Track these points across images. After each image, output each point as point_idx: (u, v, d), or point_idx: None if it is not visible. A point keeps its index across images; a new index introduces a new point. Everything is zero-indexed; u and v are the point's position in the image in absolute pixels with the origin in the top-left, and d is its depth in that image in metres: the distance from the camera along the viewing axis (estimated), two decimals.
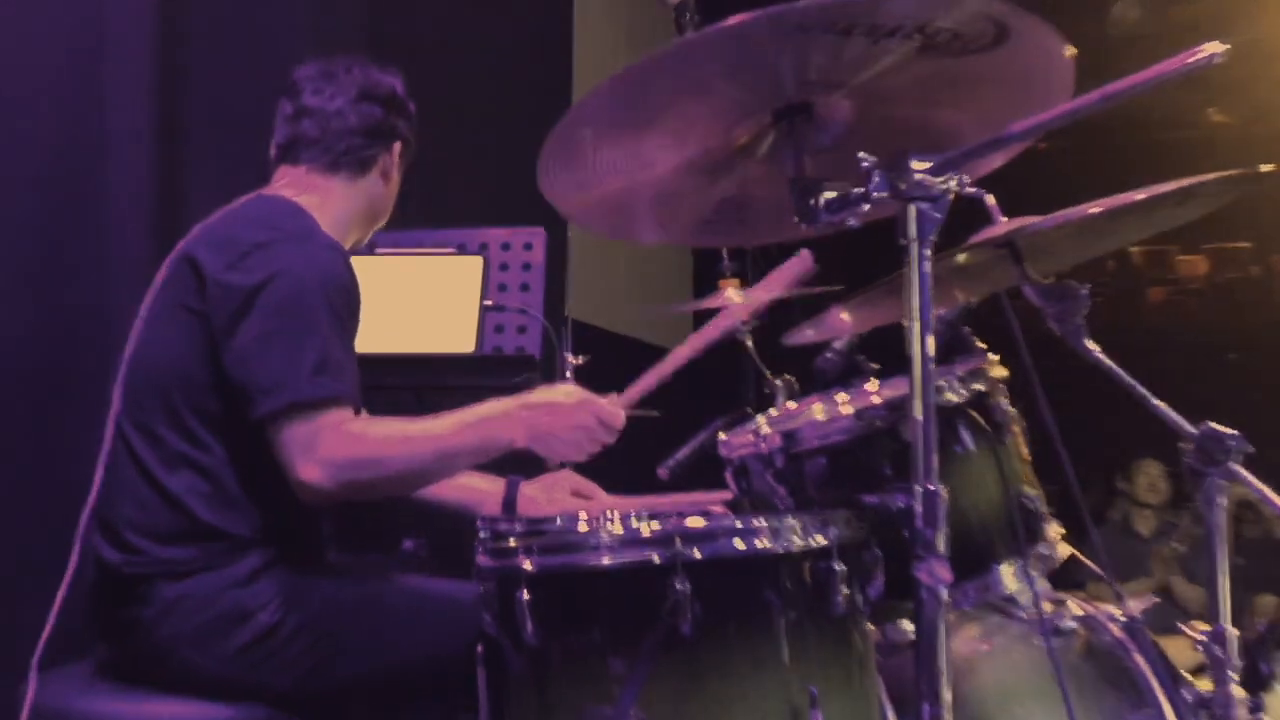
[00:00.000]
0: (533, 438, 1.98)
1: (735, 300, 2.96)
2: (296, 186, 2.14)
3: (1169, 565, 5.18)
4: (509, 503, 2.38)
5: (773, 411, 2.25)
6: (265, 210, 2.08)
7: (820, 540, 1.65)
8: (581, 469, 2.53)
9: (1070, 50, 1.55)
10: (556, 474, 2.44)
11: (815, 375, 2.25)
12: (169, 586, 1.92)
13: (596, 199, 1.83)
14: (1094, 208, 1.76)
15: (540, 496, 2.38)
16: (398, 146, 2.23)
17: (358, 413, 1.96)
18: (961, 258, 1.87)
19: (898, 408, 1.87)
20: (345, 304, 1.98)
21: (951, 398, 1.92)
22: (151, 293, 2.03)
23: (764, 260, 3.37)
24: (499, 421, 1.97)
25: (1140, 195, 1.75)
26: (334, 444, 1.87)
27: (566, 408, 1.98)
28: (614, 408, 2.00)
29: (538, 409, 1.97)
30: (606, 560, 1.62)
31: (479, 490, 2.39)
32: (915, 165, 1.44)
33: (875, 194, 1.49)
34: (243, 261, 1.95)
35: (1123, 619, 1.95)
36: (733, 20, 1.44)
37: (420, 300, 2.72)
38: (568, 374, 2.80)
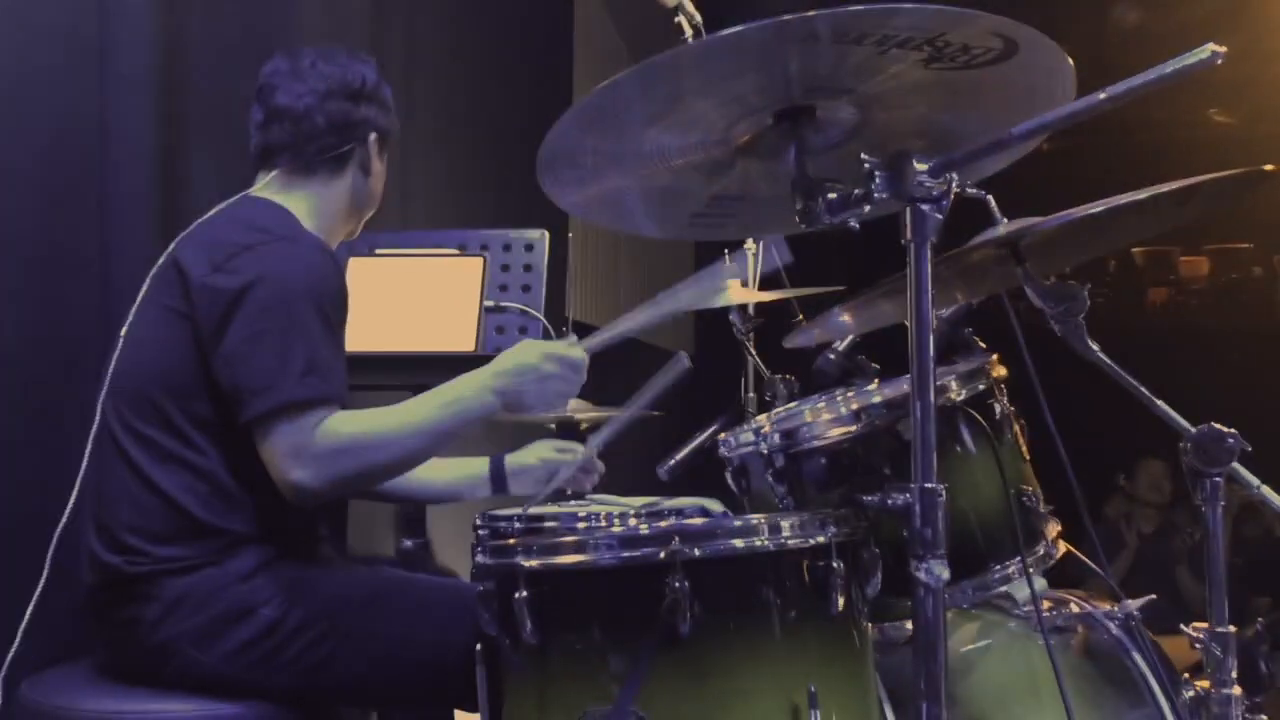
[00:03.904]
0: (508, 403, 1.99)
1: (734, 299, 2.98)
2: (277, 189, 2.14)
3: (1178, 561, 5.20)
4: (497, 478, 2.40)
5: (774, 410, 2.26)
6: (250, 213, 2.08)
7: (819, 539, 1.65)
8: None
9: (1069, 61, 1.56)
10: (537, 441, 2.45)
11: (815, 375, 2.25)
12: (172, 584, 1.92)
13: (594, 195, 1.84)
14: (1095, 207, 1.76)
15: (527, 458, 2.41)
16: (374, 137, 2.20)
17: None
18: (964, 258, 1.88)
19: (898, 406, 1.87)
20: (332, 304, 1.98)
21: (952, 397, 1.92)
22: (139, 297, 2.04)
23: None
24: (473, 395, 1.98)
25: (1142, 195, 1.76)
26: (322, 444, 1.87)
27: (532, 364, 1.98)
28: (574, 349, 2.01)
29: (506, 374, 1.98)
30: (605, 559, 1.63)
31: (466, 474, 2.40)
32: (916, 166, 1.45)
33: (876, 195, 1.50)
34: (228, 264, 1.95)
35: (1121, 617, 1.95)
36: (744, 27, 1.44)
37: (421, 301, 2.72)
38: None
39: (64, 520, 1.97)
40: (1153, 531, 5.45)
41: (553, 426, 2.65)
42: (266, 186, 2.15)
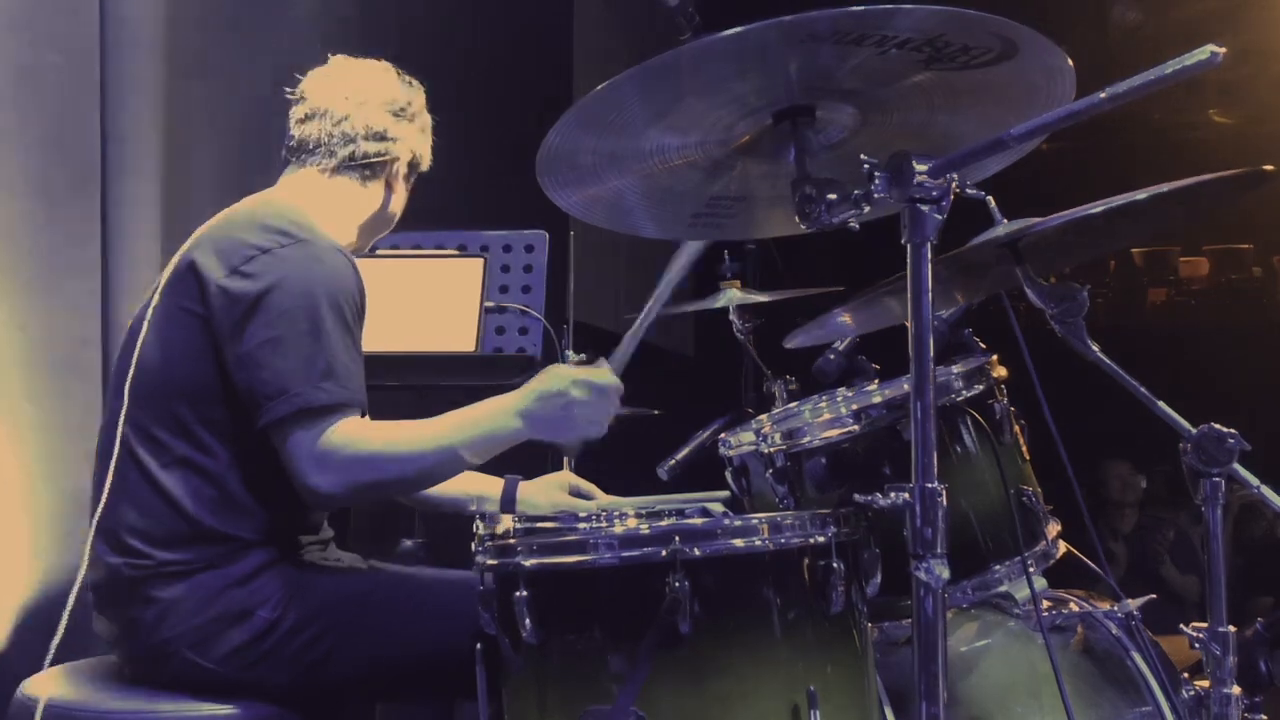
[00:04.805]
0: (540, 429, 1.97)
1: (735, 298, 2.98)
2: (299, 189, 2.14)
3: (1159, 560, 5.21)
4: (508, 502, 2.38)
5: (774, 410, 2.26)
6: (267, 214, 2.07)
7: (819, 539, 1.65)
8: (581, 469, 2.54)
9: (1069, 61, 1.56)
10: (555, 474, 2.44)
11: (816, 376, 2.25)
12: (169, 587, 1.92)
13: (594, 195, 1.84)
14: (1095, 208, 1.76)
15: (539, 496, 2.38)
16: (405, 156, 2.22)
17: (364, 416, 1.96)
18: (964, 259, 1.88)
19: (898, 406, 1.88)
20: (350, 307, 1.97)
21: (952, 397, 1.92)
22: (153, 298, 2.03)
23: (764, 262, 3.38)
24: (499, 420, 1.97)
25: (1140, 195, 1.76)
26: (341, 450, 1.87)
27: (558, 390, 1.96)
28: (604, 373, 1.99)
29: (531, 399, 1.97)
30: (606, 558, 1.63)
31: (478, 489, 2.39)
32: (916, 167, 1.45)
33: (876, 195, 1.50)
34: (245, 266, 1.95)
35: (1120, 617, 1.96)
36: (745, 27, 1.44)
37: (421, 301, 2.72)
38: None
39: (95, 520, 1.96)
40: (1131, 531, 5.46)
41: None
42: (290, 184, 2.15)
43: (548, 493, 2.39)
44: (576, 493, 2.41)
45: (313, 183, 2.15)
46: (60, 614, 1.92)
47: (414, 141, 2.23)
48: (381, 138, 2.17)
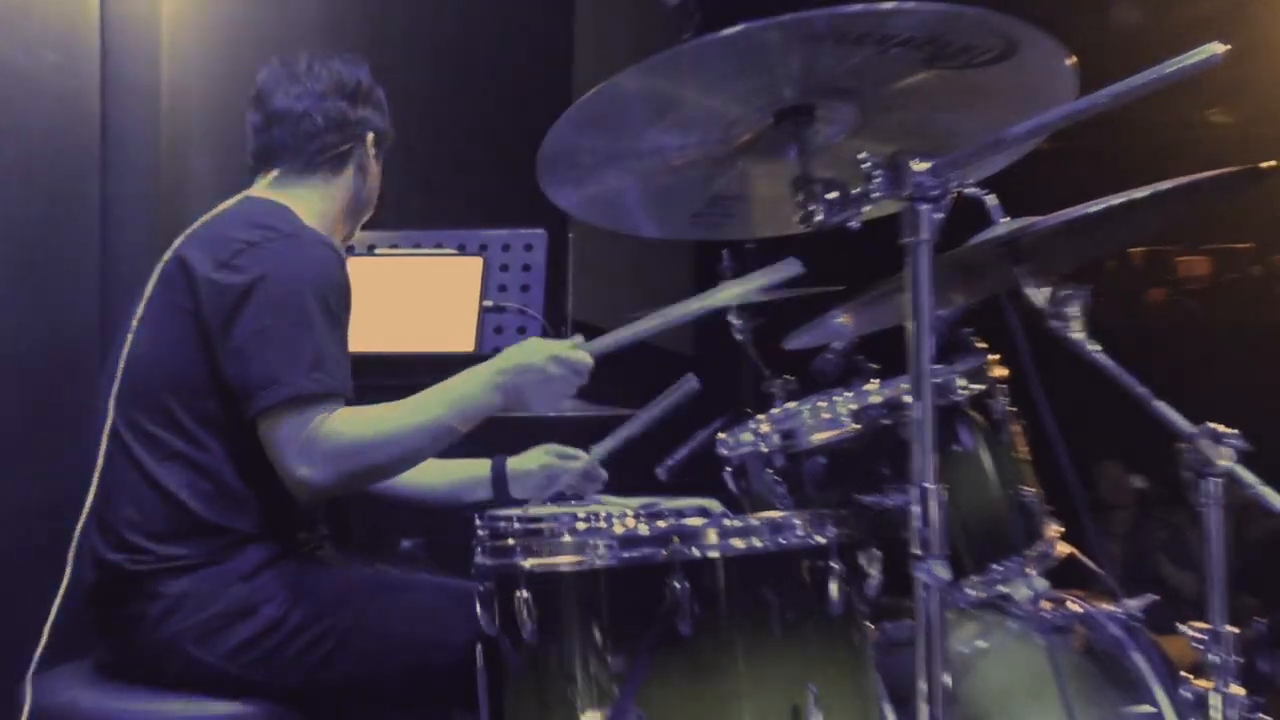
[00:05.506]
0: (513, 399, 2.02)
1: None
2: (277, 189, 2.16)
3: (1156, 561, 5.22)
4: (498, 481, 2.41)
5: (773, 411, 2.25)
6: (253, 210, 2.09)
7: (819, 539, 1.65)
8: None
9: (1071, 59, 1.56)
10: (539, 445, 2.46)
11: (814, 376, 2.25)
12: (173, 582, 1.93)
13: (594, 195, 1.84)
14: (1094, 206, 1.76)
15: (528, 464, 2.42)
16: (370, 137, 2.23)
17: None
18: (964, 258, 1.88)
19: (897, 407, 1.87)
20: (337, 298, 1.99)
21: (952, 397, 1.92)
22: (143, 297, 2.04)
23: (764, 261, 3.37)
24: (478, 391, 2.01)
25: (1140, 194, 1.76)
26: (330, 438, 1.88)
27: (537, 366, 2.01)
28: (579, 353, 2.04)
29: (510, 372, 2.01)
30: (606, 559, 1.63)
31: (467, 474, 2.41)
32: (916, 166, 1.45)
33: (876, 194, 1.50)
34: (234, 260, 1.96)
35: (1122, 617, 1.95)
36: (744, 26, 1.44)
37: (420, 301, 2.72)
38: None
39: (83, 519, 1.97)
40: (1126, 532, 5.46)
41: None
42: (267, 186, 2.17)
43: (535, 459, 2.43)
44: (562, 457, 2.43)
45: (288, 183, 2.17)
46: (63, 612, 1.93)
47: (375, 119, 2.25)
48: (344, 125, 2.19)
